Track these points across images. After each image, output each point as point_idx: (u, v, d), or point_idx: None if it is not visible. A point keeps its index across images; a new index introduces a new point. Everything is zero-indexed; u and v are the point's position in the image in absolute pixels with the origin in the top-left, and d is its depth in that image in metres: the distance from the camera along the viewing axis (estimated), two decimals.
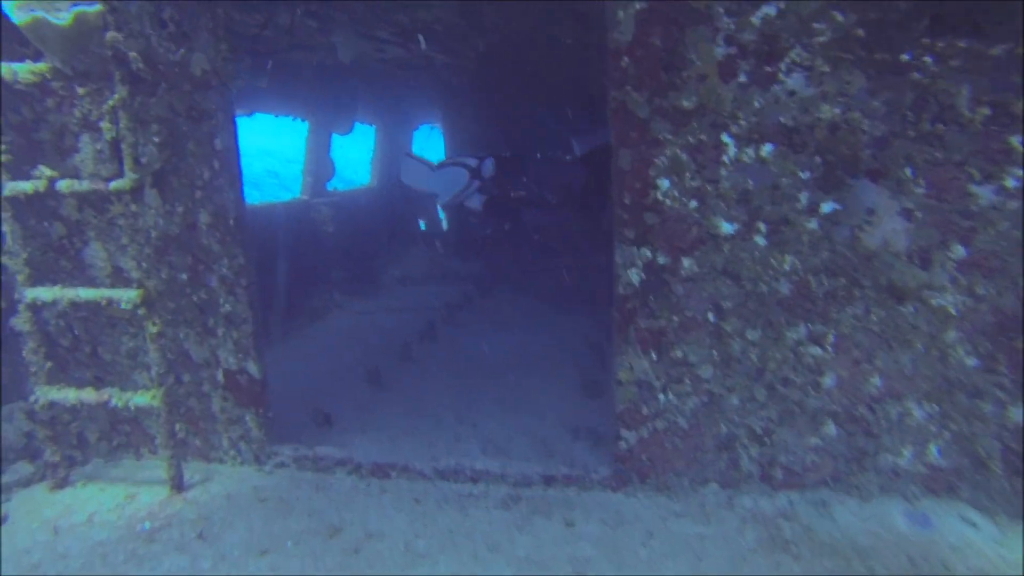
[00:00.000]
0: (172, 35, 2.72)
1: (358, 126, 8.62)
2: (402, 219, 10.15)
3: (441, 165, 6.79)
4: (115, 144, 2.69)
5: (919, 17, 2.09)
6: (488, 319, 6.46)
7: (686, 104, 2.48)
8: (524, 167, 6.38)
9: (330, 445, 3.48)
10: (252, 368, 3.18)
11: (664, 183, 2.54)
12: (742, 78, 2.40)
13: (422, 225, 11.08)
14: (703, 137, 2.48)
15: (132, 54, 2.64)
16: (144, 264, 2.83)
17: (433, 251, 9.53)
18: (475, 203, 6.26)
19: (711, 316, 2.55)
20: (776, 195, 2.42)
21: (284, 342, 6.05)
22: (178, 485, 2.93)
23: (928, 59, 2.14)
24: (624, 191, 2.58)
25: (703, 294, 2.54)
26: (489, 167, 6.51)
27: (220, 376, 3.18)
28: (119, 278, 3.05)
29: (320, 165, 7.85)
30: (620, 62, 2.53)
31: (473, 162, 6.69)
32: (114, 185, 2.69)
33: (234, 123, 2.82)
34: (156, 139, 2.76)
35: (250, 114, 6.29)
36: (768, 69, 2.36)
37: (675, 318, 2.58)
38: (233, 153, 2.83)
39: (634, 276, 2.60)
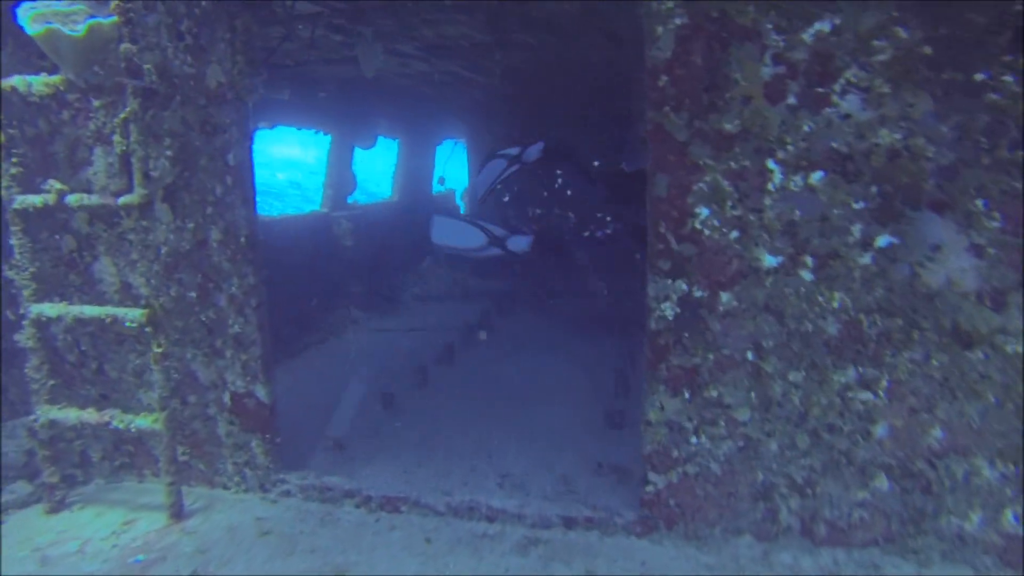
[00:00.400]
0: (189, 47, 2.62)
1: (381, 140, 8.58)
2: (423, 234, 10.06)
3: (484, 160, 6.46)
4: (125, 158, 2.59)
5: (1000, 31, 1.90)
6: (508, 342, 6.28)
7: (729, 127, 2.30)
8: (568, 162, 6.03)
9: (339, 475, 3.32)
10: (260, 392, 3.04)
11: (703, 211, 2.35)
12: (791, 100, 2.22)
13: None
14: (746, 163, 2.29)
15: (146, 66, 2.55)
16: (153, 281, 2.72)
17: (453, 269, 9.42)
18: (521, 246, 5.86)
19: (750, 355, 2.35)
20: (825, 227, 2.23)
21: (299, 358, 5.94)
22: (177, 513, 2.79)
23: (1009, 78, 1.94)
24: (660, 219, 2.40)
25: (742, 331, 2.34)
26: (535, 152, 6.13)
27: (227, 399, 3.05)
28: (128, 294, 2.94)
29: (341, 178, 7.79)
30: (658, 81, 2.36)
31: (515, 150, 6.28)
32: (123, 200, 2.59)
33: (249, 138, 2.71)
34: (168, 153, 2.66)
35: (272, 127, 6.24)
36: (820, 90, 2.18)
37: (711, 356, 2.39)
38: (247, 169, 2.72)
39: (668, 310, 2.41)
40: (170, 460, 2.78)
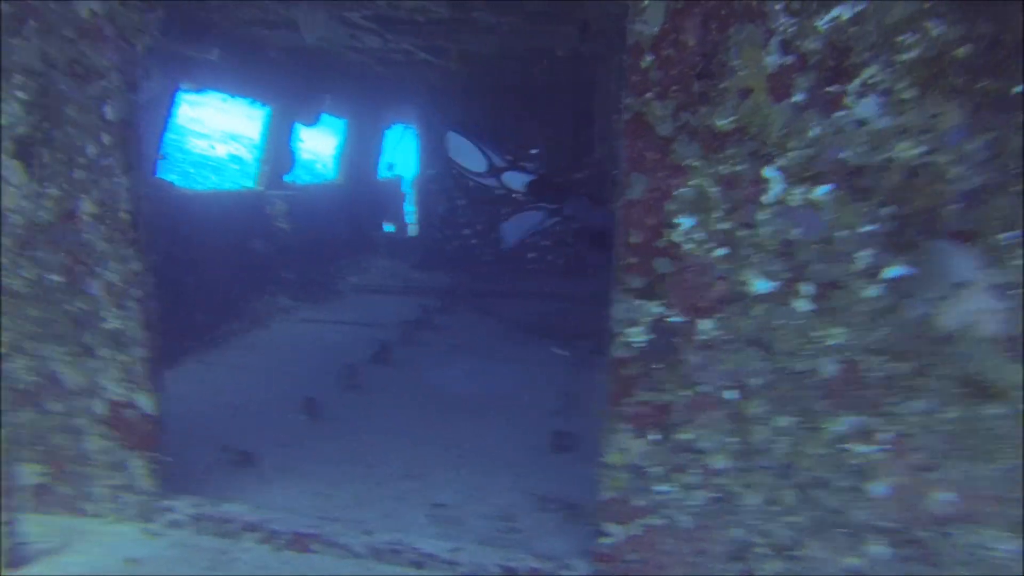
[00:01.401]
0: None
1: (326, 118, 7.96)
2: (366, 221, 9.46)
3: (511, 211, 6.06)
4: None
5: None
6: (449, 342, 5.84)
7: (722, 124, 1.94)
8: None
9: (242, 500, 2.82)
10: (143, 401, 2.50)
11: (685, 222, 1.99)
12: (798, 97, 1.87)
13: (387, 228, 10.41)
14: (740, 168, 1.94)
15: None
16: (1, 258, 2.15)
17: (394, 259, 8.87)
18: (516, 183, 5.60)
19: (732, 394, 2.00)
20: (828, 251, 1.90)
21: (215, 348, 5.33)
22: (15, 560, 2.22)
23: None
24: (632, 228, 2.03)
25: (723, 366, 2.00)
26: (578, 206, 5.77)
27: (100, 408, 2.50)
28: None
29: (279, 155, 7.14)
30: (640, 62, 1.98)
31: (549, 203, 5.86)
32: None
33: (137, 89, 2.17)
34: (20, 95, 2.09)
35: (199, 90, 5.57)
36: (833, 89, 1.84)
37: (685, 393, 2.03)
38: (131, 128, 2.18)
39: (637, 336, 2.04)
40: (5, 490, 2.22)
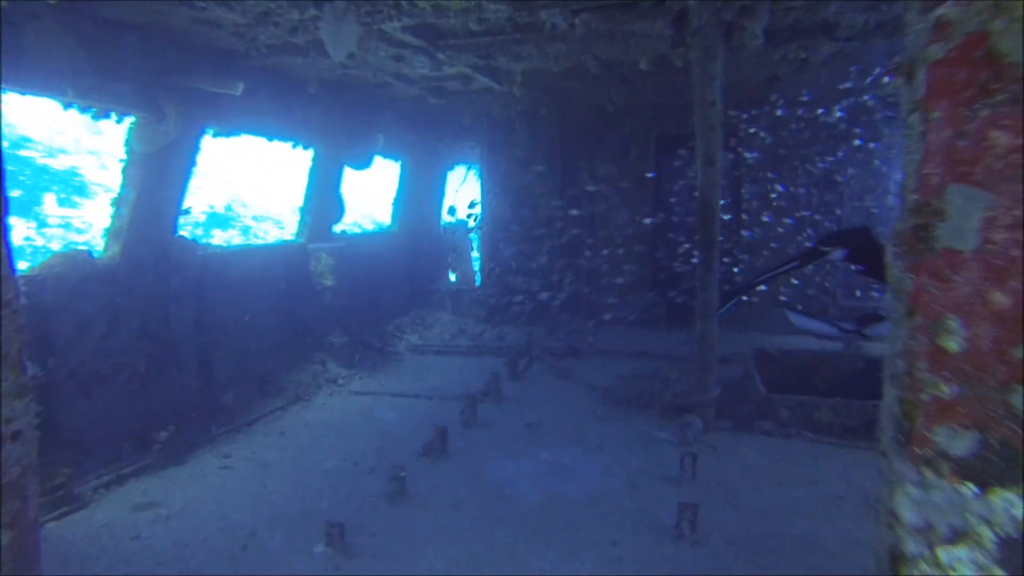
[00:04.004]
0: None
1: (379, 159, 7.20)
2: (426, 272, 8.58)
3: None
4: None
5: None
6: (519, 418, 4.71)
7: None
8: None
9: None
10: None
11: None
12: None
13: (452, 278, 9.50)
14: None
15: None
16: None
17: (458, 313, 7.88)
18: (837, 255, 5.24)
19: None
20: None
21: (241, 437, 4.42)
22: None
23: None
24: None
25: None
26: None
27: None
28: None
29: (325, 202, 6.38)
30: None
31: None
32: None
33: None
34: None
35: (227, 132, 4.85)
36: None
37: None
38: None
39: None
40: None
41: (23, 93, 3.46)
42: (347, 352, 6.10)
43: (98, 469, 3.69)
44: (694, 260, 6.30)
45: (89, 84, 3.65)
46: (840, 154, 6.63)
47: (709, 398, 4.35)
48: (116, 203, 4.16)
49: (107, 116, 3.97)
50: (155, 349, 4.39)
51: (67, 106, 3.74)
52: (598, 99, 6.82)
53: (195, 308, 4.73)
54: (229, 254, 5.13)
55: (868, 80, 5.94)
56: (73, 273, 3.66)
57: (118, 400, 4.06)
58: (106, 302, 3.93)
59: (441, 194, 8.90)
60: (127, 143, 4.13)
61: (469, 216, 8.07)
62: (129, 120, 4.10)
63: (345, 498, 3.47)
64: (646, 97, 6.72)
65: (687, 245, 6.56)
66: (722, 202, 4.69)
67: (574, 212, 7.35)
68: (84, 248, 3.89)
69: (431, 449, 4.02)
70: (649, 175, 7.25)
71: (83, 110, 3.81)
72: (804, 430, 4.22)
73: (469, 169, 9.13)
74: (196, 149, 4.55)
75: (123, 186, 4.15)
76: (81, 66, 3.58)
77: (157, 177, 4.22)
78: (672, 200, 7.40)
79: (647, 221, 7.26)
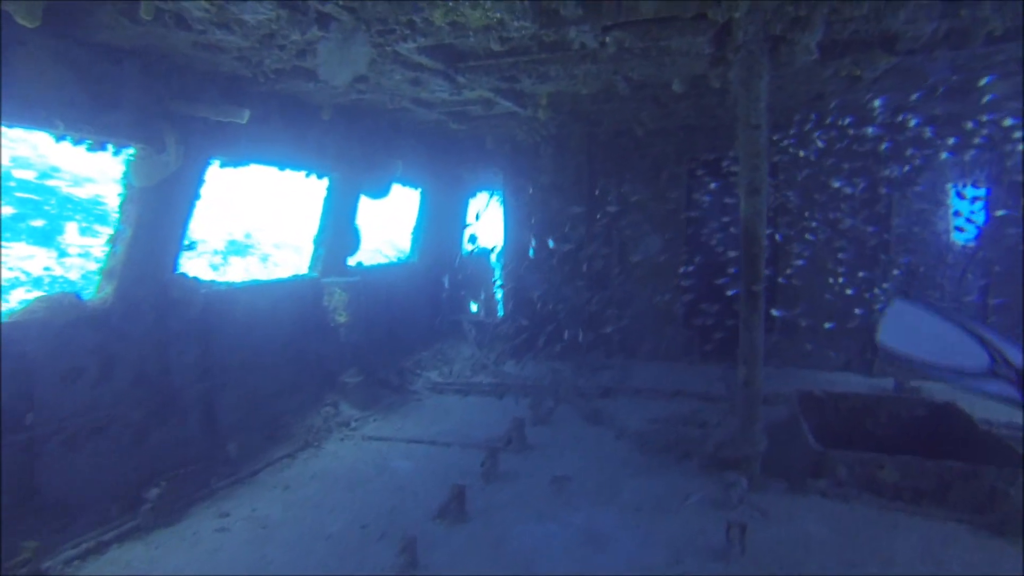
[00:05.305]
0: None
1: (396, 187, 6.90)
2: (447, 304, 8.21)
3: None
4: None
5: None
6: (546, 473, 4.26)
7: None
8: None
9: None
10: None
11: None
12: None
13: (474, 309, 9.11)
14: None
15: None
16: None
17: (481, 347, 7.48)
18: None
19: None
20: None
21: (242, 490, 4.03)
22: None
23: None
24: None
25: None
26: None
27: None
28: None
29: (340, 234, 6.07)
30: None
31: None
32: None
33: None
34: None
35: (236, 162, 4.58)
36: None
37: None
38: None
39: None
40: None
41: (9, 126, 3.21)
42: (361, 392, 5.74)
43: (83, 533, 3.35)
44: (729, 293, 5.89)
45: (82, 115, 3.39)
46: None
47: (755, 451, 3.88)
48: (111, 241, 3.88)
49: (103, 148, 3.71)
50: (152, 397, 4.06)
51: (59, 139, 3.48)
52: (627, 122, 6.43)
53: (197, 351, 4.42)
54: (235, 292, 4.82)
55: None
56: (58, 318, 3.36)
57: (109, 455, 3.73)
58: (96, 348, 3.62)
59: (463, 222, 8.58)
60: (124, 177, 3.86)
61: (490, 247, 7.69)
62: (127, 152, 3.83)
63: (350, 573, 3.07)
64: (678, 119, 6.32)
65: (725, 279, 6.09)
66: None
67: (601, 239, 6.96)
68: (71, 292, 3.59)
69: (447, 511, 3.60)
70: (685, 215, 6.83)
71: (76, 142, 3.55)
72: (865, 491, 3.71)
73: (492, 195, 8.80)
74: (200, 181, 4.27)
75: (119, 222, 3.87)
76: (73, 96, 3.32)
77: (157, 211, 3.94)
78: (706, 230, 6.94)
79: (683, 261, 6.81)
